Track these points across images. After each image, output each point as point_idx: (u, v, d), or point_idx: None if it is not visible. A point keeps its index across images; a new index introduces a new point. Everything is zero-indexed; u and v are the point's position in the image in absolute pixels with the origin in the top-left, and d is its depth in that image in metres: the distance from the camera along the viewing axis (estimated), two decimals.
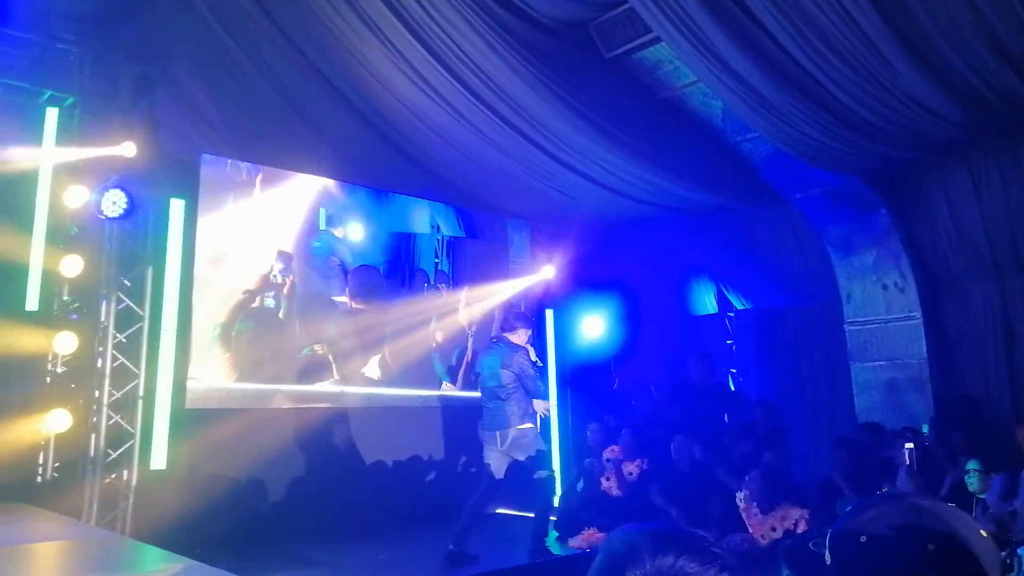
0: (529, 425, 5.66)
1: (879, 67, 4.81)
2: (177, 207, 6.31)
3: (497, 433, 5.64)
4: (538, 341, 8.81)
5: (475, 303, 8.28)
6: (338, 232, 7.49)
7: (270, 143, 6.85)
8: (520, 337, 5.83)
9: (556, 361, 8.94)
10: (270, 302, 6.90)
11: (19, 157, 5.83)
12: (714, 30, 4.83)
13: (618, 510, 6.52)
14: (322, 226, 7.38)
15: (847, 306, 7.47)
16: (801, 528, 5.62)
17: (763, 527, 5.77)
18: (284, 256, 7.04)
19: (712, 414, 7.65)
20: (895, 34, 4.47)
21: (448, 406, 7.89)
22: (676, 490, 6.46)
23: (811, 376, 8.15)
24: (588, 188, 7.27)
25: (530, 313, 8.77)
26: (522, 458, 5.65)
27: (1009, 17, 4.28)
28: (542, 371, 8.68)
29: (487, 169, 7.41)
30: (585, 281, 8.97)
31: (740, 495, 5.95)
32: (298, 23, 6.01)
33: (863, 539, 0.97)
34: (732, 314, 9.04)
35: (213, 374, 6.53)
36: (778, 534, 5.67)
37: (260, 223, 6.94)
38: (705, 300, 9.22)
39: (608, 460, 7.08)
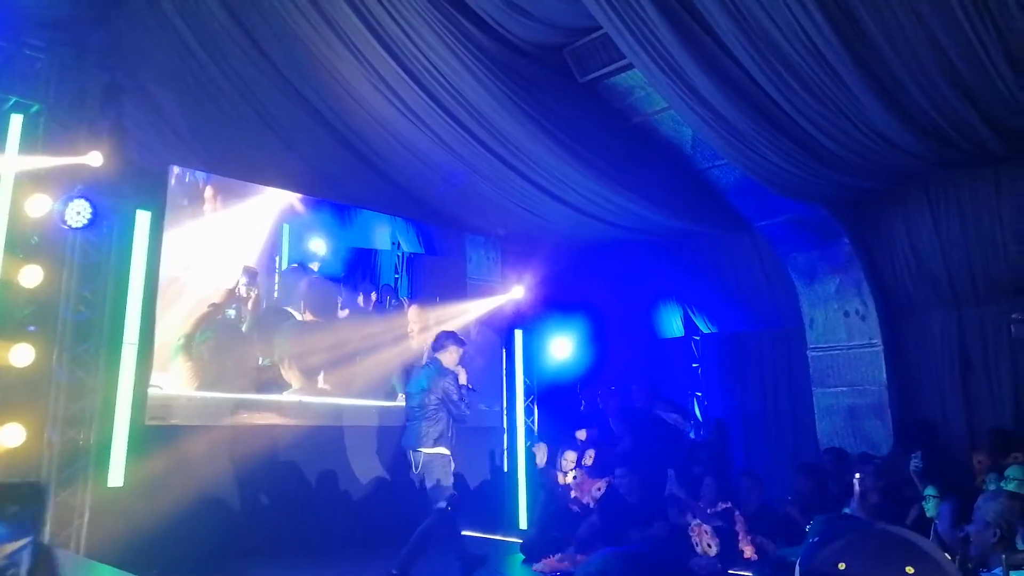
0: (442, 450, 5.56)
1: (844, 99, 4.94)
2: (143, 218, 6.21)
3: (410, 453, 5.59)
4: (507, 361, 8.86)
5: (443, 323, 8.26)
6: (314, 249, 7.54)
7: (240, 156, 6.79)
8: (450, 357, 5.76)
9: (524, 381, 8.95)
10: (231, 313, 6.87)
11: None
12: (685, 58, 4.92)
13: (583, 528, 6.54)
14: (285, 241, 7.36)
15: (810, 332, 7.60)
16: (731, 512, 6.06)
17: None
18: (249, 271, 7.02)
19: (657, 441, 7.77)
20: (859, 67, 4.59)
21: None
22: (627, 516, 6.52)
23: (774, 400, 8.26)
24: (559, 209, 7.33)
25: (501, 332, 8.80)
26: (428, 484, 5.54)
27: (970, 56, 4.43)
28: (510, 390, 8.77)
29: (459, 188, 7.43)
30: (554, 301, 9.01)
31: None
32: (271, 36, 5.98)
33: (842, 567, 0.99)
34: (698, 337, 9.14)
35: (175, 382, 6.44)
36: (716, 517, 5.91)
37: (225, 238, 6.90)
38: (672, 323, 9.31)
39: (576, 477, 7.11)
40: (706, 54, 4.87)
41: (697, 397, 9.06)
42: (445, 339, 5.86)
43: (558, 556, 6.29)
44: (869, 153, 5.60)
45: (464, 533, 7.78)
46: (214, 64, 6.13)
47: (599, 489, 6.87)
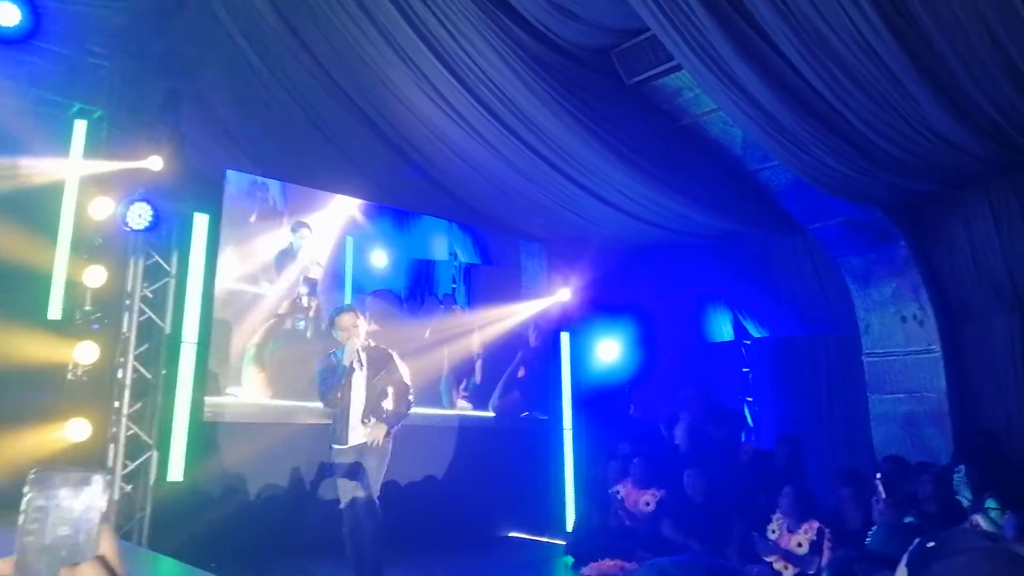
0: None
1: (900, 98, 4.83)
2: (201, 221, 6.39)
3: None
4: (553, 363, 8.86)
5: (488, 325, 8.35)
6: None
7: (293, 160, 6.94)
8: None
9: (572, 384, 8.95)
10: (300, 324, 7.08)
11: (47, 168, 5.94)
12: (735, 59, 4.87)
13: (634, 538, 6.48)
14: (349, 252, 7.57)
15: (865, 337, 7.42)
16: (821, 538, 5.54)
17: (791, 543, 5.69)
18: (309, 282, 7.20)
19: (719, 443, 7.61)
20: (916, 65, 4.48)
21: (461, 426, 7.91)
22: (691, 523, 6.39)
23: (828, 407, 8.09)
24: (606, 212, 7.31)
25: (546, 335, 8.81)
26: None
27: None
28: (556, 393, 8.76)
29: (507, 192, 7.47)
30: (601, 304, 8.98)
31: (775, 517, 5.84)
32: (324, 43, 6.11)
33: None
34: (748, 342, 9.01)
35: (248, 391, 6.64)
36: (804, 549, 5.60)
37: (292, 250, 7.14)
38: (721, 327, 9.19)
39: (619, 494, 7.04)
40: (756, 54, 4.81)
41: (748, 402, 8.93)
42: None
43: (608, 561, 6.25)
44: (926, 153, 5.45)
45: (511, 534, 7.88)
46: (267, 70, 6.30)
47: (647, 504, 6.78)
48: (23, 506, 0.71)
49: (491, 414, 8.23)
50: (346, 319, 5.12)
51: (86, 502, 0.73)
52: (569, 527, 8.14)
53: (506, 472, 7.75)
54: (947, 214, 6.76)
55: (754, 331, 8.92)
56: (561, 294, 8.87)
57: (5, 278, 5.57)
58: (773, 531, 5.75)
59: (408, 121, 6.69)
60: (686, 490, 6.63)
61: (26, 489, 0.72)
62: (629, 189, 6.81)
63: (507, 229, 8.54)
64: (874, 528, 5.00)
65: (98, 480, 0.74)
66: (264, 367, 6.77)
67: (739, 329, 9.03)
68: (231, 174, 6.77)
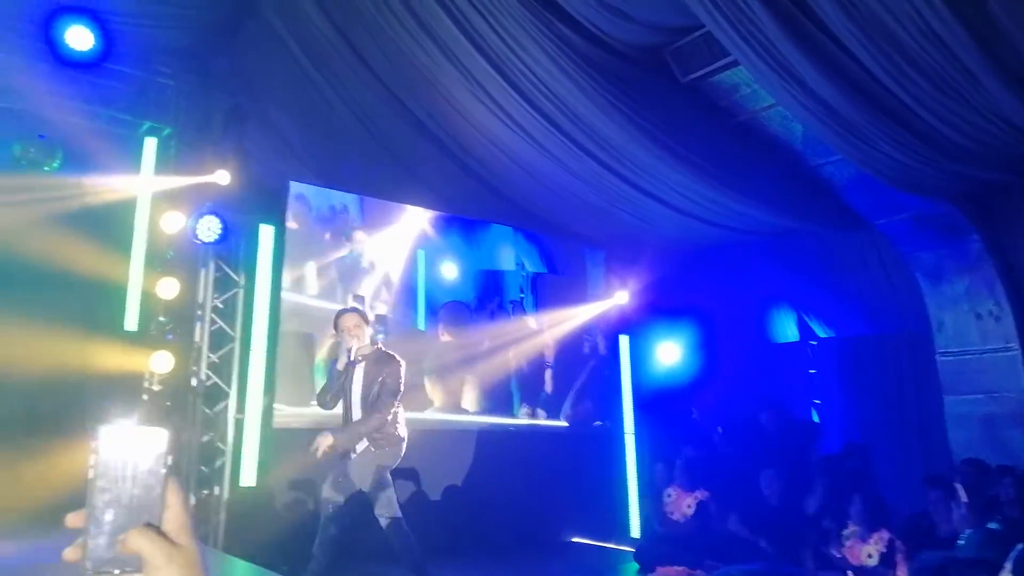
0: None
1: (967, 85, 4.66)
2: (266, 232, 6.58)
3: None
4: (613, 366, 8.81)
5: (548, 330, 8.37)
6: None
7: (353, 171, 7.09)
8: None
9: (633, 388, 8.88)
10: (379, 336, 7.21)
11: (120, 185, 6.21)
12: (793, 52, 4.78)
13: (688, 544, 6.39)
14: (421, 265, 7.76)
15: (938, 336, 7.16)
16: (892, 549, 5.34)
17: (862, 553, 5.51)
18: (359, 299, 7.32)
19: (791, 452, 7.44)
20: (983, 51, 4.32)
21: (523, 432, 7.93)
22: (763, 524, 6.26)
23: (900, 408, 7.82)
24: (663, 213, 7.24)
25: (605, 339, 8.77)
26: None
27: None
28: (617, 396, 8.70)
29: (561, 195, 7.48)
30: (660, 306, 8.89)
31: (849, 527, 5.66)
32: (380, 55, 6.23)
33: None
34: (814, 342, 8.79)
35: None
36: (874, 560, 5.42)
37: (365, 262, 7.33)
38: (785, 327, 9.00)
39: (669, 497, 6.96)
40: (815, 47, 4.71)
41: (816, 405, 8.71)
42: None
43: (675, 568, 6.17)
44: (996, 142, 5.24)
45: (575, 540, 7.84)
46: (326, 83, 6.45)
47: (688, 506, 6.69)
48: (91, 462, 0.74)
49: (564, 423, 8.27)
50: (346, 320, 4.94)
51: (152, 455, 0.75)
52: (634, 533, 8.08)
53: (569, 477, 7.73)
54: (1022, 205, 6.49)
55: (820, 331, 8.70)
56: (619, 297, 8.82)
57: (84, 291, 5.83)
58: (847, 537, 5.59)
59: (463, 128, 6.77)
60: (762, 490, 6.50)
61: (94, 445, 0.74)
62: (686, 188, 6.73)
63: (562, 232, 8.54)
64: (967, 533, 4.83)
65: (163, 435, 0.77)
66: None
67: (804, 329, 8.82)
68: (307, 191, 6.98)
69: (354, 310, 5.24)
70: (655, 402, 8.93)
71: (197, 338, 6.20)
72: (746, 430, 7.94)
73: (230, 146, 6.31)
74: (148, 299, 6.14)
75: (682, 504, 6.78)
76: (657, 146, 6.18)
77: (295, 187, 6.90)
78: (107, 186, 6.16)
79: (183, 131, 6.41)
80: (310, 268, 6.90)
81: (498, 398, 7.90)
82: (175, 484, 0.77)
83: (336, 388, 4.92)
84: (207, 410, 6.15)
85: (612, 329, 8.87)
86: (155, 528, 0.75)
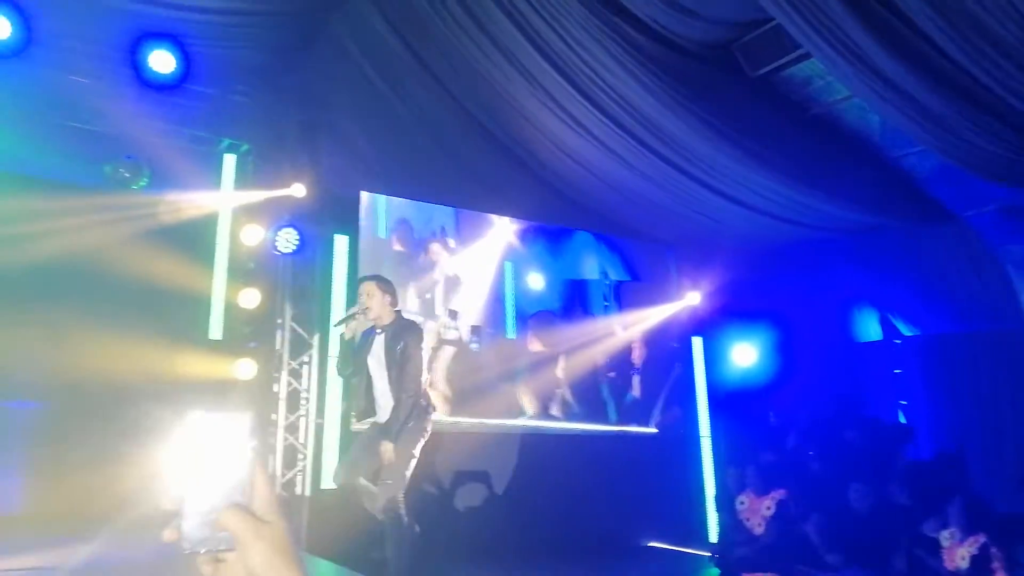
0: None
1: None
2: (341, 242, 6.76)
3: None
4: (686, 369, 8.68)
5: (631, 335, 8.36)
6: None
7: (422, 179, 7.21)
8: None
9: (708, 391, 8.73)
10: (474, 346, 7.47)
11: (202, 200, 6.51)
12: (868, 42, 4.62)
13: (774, 549, 6.23)
14: (509, 277, 7.91)
15: None
16: (987, 554, 5.08)
17: (956, 557, 5.28)
18: (452, 313, 7.48)
19: (879, 458, 7.18)
20: None
21: (598, 435, 7.90)
22: (851, 538, 6.04)
23: (993, 407, 7.44)
24: (736, 212, 7.10)
25: (677, 340, 8.66)
26: None
27: None
28: (691, 399, 8.58)
29: (631, 198, 7.43)
30: (734, 307, 8.72)
31: (947, 531, 5.43)
32: (448, 66, 6.32)
33: None
34: (898, 341, 8.46)
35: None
36: (965, 563, 5.17)
37: (456, 275, 7.52)
38: (867, 326, 8.69)
39: (743, 504, 6.80)
40: (891, 34, 4.54)
41: (902, 406, 8.38)
42: None
43: (759, 574, 6.03)
44: None
45: (652, 544, 7.75)
46: (394, 95, 6.58)
47: (768, 508, 6.51)
48: (181, 447, 0.78)
49: (653, 430, 8.27)
50: (363, 287, 4.78)
51: (237, 438, 0.79)
52: (713, 538, 7.93)
53: (645, 481, 7.65)
54: None
55: (904, 329, 8.37)
56: (691, 298, 8.69)
57: (171, 302, 6.11)
58: (946, 540, 5.35)
59: (530, 134, 6.80)
60: (850, 502, 6.28)
61: (180, 432, 0.78)
62: (759, 186, 6.59)
63: (632, 234, 8.48)
64: None
65: (246, 419, 0.80)
66: (435, 387, 7.01)
67: (887, 327, 8.50)
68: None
69: (374, 276, 5.00)
70: (730, 405, 8.76)
71: (278, 345, 6.41)
72: (826, 436, 7.70)
73: (304, 159, 6.51)
74: (232, 309, 6.39)
75: (760, 508, 6.62)
76: (728, 143, 6.07)
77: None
78: (190, 202, 6.46)
79: (260, 147, 6.66)
80: (411, 288, 7.11)
81: (588, 404, 7.98)
82: (260, 464, 0.81)
83: (359, 359, 4.75)
84: (288, 415, 6.34)
85: (685, 331, 8.74)
86: (244, 507, 0.78)
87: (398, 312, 4.81)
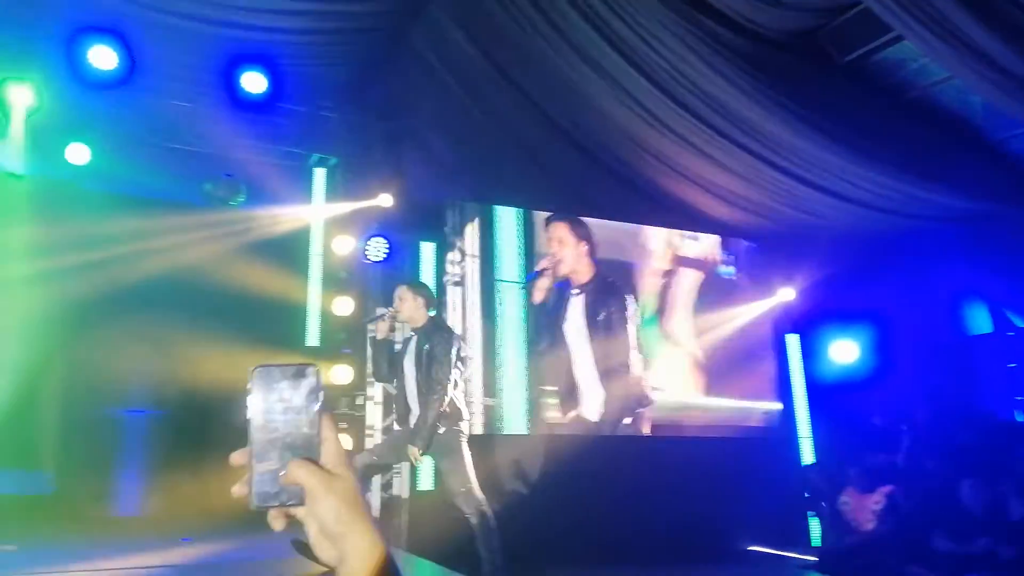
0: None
1: None
2: (427, 249, 6.90)
3: None
4: (781, 368, 8.42)
5: (710, 331, 8.13)
6: None
7: (503, 184, 7.28)
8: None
9: (807, 391, 8.45)
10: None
11: (296, 213, 6.80)
12: (963, 17, 4.38)
13: (886, 551, 5.97)
14: None
15: None
16: None
17: None
18: None
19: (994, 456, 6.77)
20: None
21: (702, 437, 7.81)
22: (967, 537, 5.74)
23: None
24: (829, 203, 6.84)
25: (771, 338, 8.43)
26: None
27: None
28: (787, 399, 8.31)
29: (719, 194, 7.28)
30: (831, 303, 8.39)
31: None
32: (525, 71, 6.35)
33: None
34: (1012, 333, 7.96)
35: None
36: None
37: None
38: (977, 318, 8.21)
39: (846, 505, 6.52)
40: (990, 10, 4.30)
41: (1019, 402, 7.88)
42: None
43: None
44: None
45: (752, 548, 7.53)
46: (474, 102, 6.66)
47: (877, 503, 6.22)
48: (247, 402, 0.78)
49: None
50: (397, 291, 4.84)
51: (305, 392, 0.78)
52: (816, 541, 7.67)
53: (742, 483, 7.46)
54: None
55: (1018, 321, 7.87)
56: (784, 294, 8.43)
57: (269, 312, 6.40)
58: None
59: (610, 134, 6.75)
60: (963, 501, 5.96)
61: (249, 386, 0.78)
62: (856, 176, 6.33)
63: (719, 230, 8.29)
64: None
65: (313, 371, 0.80)
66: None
67: (999, 319, 8.01)
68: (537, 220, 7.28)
69: (410, 281, 5.10)
70: (831, 404, 8.44)
71: (370, 351, 6.58)
72: (937, 433, 7.31)
73: (390, 170, 6.70)
74: (327, 317, 6.64)
75: (867, 505, 6.35)
76: (818, 132, 5.87)
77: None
78: (284, 216, 6.75)
79: (347, 159, 6.90)
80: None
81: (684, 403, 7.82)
82: (328, 418, 0.80)
83: (396, 363, 4.80)
84: (384, 419, 6.51)
85: (779, 328, 8.49)
86: (313, 461, 0.78)
87: (432, 316, 4.82)
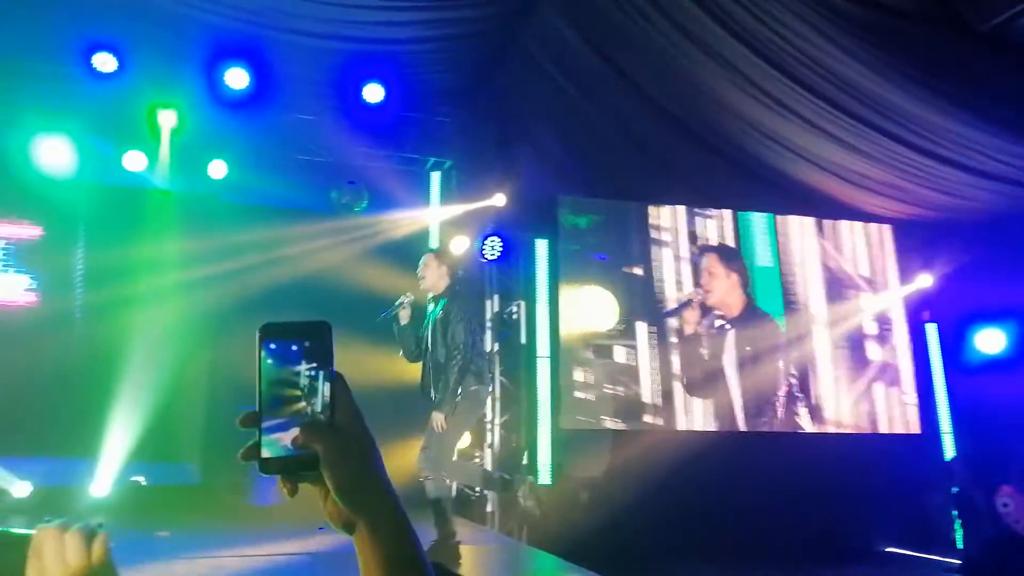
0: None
1: None
2: (541, 246, 6.95)
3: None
4: (919, 360, 7.90)
5: (836, 324, 7.76)
6: None
7: (616, 179, 7.22)
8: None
9: (946, 383, 7.93)
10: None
11: (415, 216, 7.02)
12: None
13: None
14: None
15: None
16: None
17: None
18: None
19: None
20: None
21: (837, 436, 7.53)
22: None
23: None
24: (969, 181, 6.40)
25: (907, 328, 7.96)
26: None
27: None
28: (927, 392, 7.80)
29: (849, 178, 6.93)
30: (974, 289, 7.81)
31: None
32: (637, 63, 6.25)
33: None
34: None
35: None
36: None
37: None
38: None
39: (1007, 506, 6.02)
40: None
41: None
42: None
43: None
44: None
45: (890, 550, 7.13)
46: (584, 98, 6.63)
47: None
48: (258, 363, 0.73)
49: (846, 429, 7.69)
50: (423, 258, 4.75)
51: (316, 351, 0.74)
52: (960, 543, 7.17)
53: (881, 482, 7.09)
54: None
55: None
56: (921, 280, 7.93)
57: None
58: None
59: (729, 122, 6.55)
60: None
61: (258, 347, 0.74)
62: (1006, 153, 5.88)
63: (848, 214, 7.88)
64: None
65: (325, 331, 0.75)
66: None
67: None
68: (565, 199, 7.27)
69: (431, 250, 5.00)
70: (975, 399, 7.86)
71: (489, 347, 6.70)
72: None
73: (503, 170, 6.79)
74: None
75: None
76: (955, 106, 5.49)
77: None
78: (404, 219, 6.98)
79: (461, 162, 7.06)
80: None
81: (769, 404, 7.50)
82: (341, 379, 0.76)
83: (420, 338, 4.68)
84: (503, 414, 6.62)
85: (915, 316, 8.00)
86: (327, 422, 0.73)
87: (451, 283, 4.72)
